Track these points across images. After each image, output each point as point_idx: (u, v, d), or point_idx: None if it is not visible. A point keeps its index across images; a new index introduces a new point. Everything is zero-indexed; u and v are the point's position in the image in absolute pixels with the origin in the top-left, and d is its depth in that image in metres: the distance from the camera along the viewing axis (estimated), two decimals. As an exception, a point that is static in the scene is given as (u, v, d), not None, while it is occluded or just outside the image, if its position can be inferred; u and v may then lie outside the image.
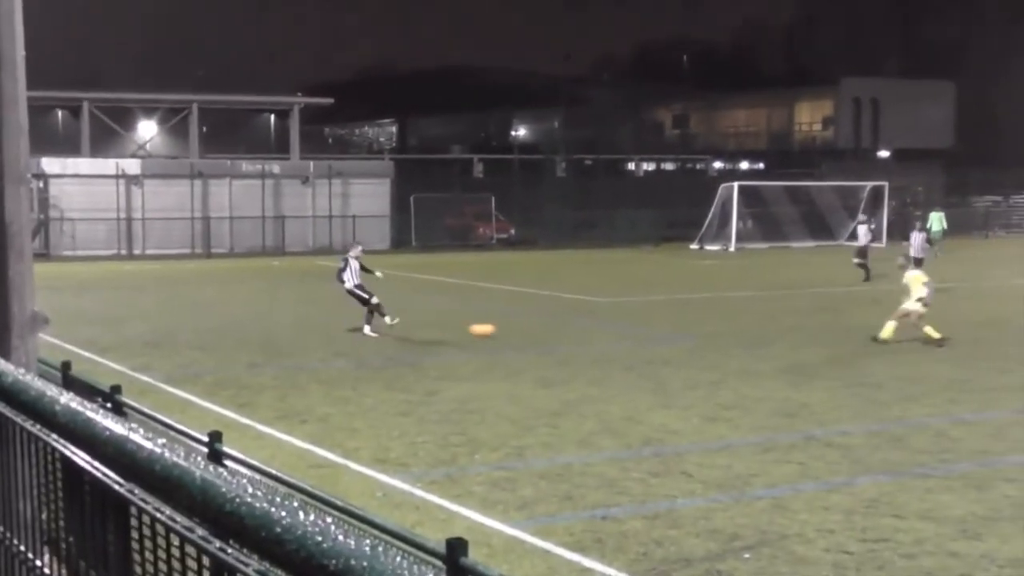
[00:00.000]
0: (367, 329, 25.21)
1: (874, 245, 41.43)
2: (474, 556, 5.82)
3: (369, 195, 56.39)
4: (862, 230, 39.06)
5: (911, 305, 23.92)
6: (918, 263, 29.78)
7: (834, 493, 12.76)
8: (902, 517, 11.82)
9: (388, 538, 5.68)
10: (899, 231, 56.90)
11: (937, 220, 51.31)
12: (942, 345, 23.33)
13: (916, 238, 30.49)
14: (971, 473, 13.58)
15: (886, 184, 59.99)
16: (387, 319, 24.92)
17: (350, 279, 25.50)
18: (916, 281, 24.09)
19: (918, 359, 22.13)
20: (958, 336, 24.90)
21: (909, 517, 11.82)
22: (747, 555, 10.70)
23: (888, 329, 24.02)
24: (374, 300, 25.26)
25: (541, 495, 12.62)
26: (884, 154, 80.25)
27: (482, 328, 24.07)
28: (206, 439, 7.96)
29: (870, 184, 60.26)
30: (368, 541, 2.41)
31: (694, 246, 54.04)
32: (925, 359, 22.15)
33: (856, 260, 38.47)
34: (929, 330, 23.68)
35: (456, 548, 5.54)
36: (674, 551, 10.81)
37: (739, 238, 54.49)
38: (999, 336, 25.55)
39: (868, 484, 13.08)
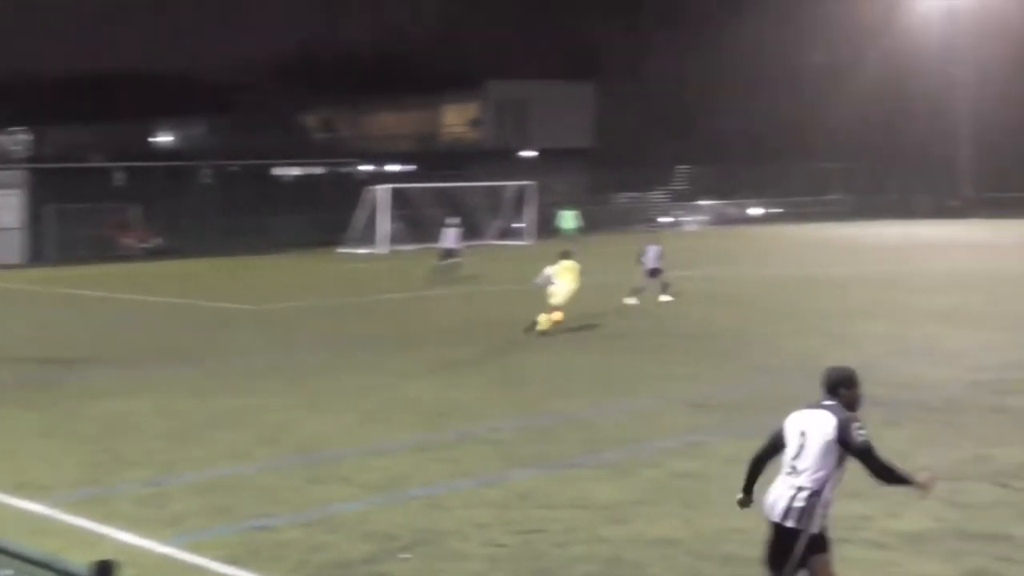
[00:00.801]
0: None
1: (522, 244, 42.18)
2: (120, 578, 5.53)
3: (-1, 207, 53.42)
4: (452, 233, 38.47)
5: (561, 297, 24.74)
6: (654, 273, 31.24)
7: (488, 488, 12.92)
8: (553, 507, 12.08)
9: (31, 567, 5.33)
10: (545, 229, 58.53)
11: (570, 218, 52.95)
12: (541, 333, 24.56)
13: (651, 250, 31.22)
14: (617, 460, 14.03)
15: (532, 183, 61.51)
16: None
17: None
18: (565, 272, 24.89)
19: (566, 353, 22.74)
20: (602, 328, 25.81)
21: (560, 507, 12.09)
22: (406, 555, 10.69)
23: (546, 321, 24.85)
24: None
25: (194, 510, 12.26)
26: (530, 154, 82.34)
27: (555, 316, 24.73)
28: None
29: (516, 184, 61.69)
30: (6, 573, 2.18)
31: (343, 250, 53.89)
32: (573, 353, 22.78)
33: (443, 262, 37.84)
34: (544, 319, 24.78)
35: (104, 570, 5.25)
36: (332, 556, 10.70)
37: (388, 240, 54.70)
38: (642, 326, 26.55)
39: (521, 477, 13.32)
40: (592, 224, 60.57)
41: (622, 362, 21.51)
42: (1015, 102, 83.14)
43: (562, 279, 25.08)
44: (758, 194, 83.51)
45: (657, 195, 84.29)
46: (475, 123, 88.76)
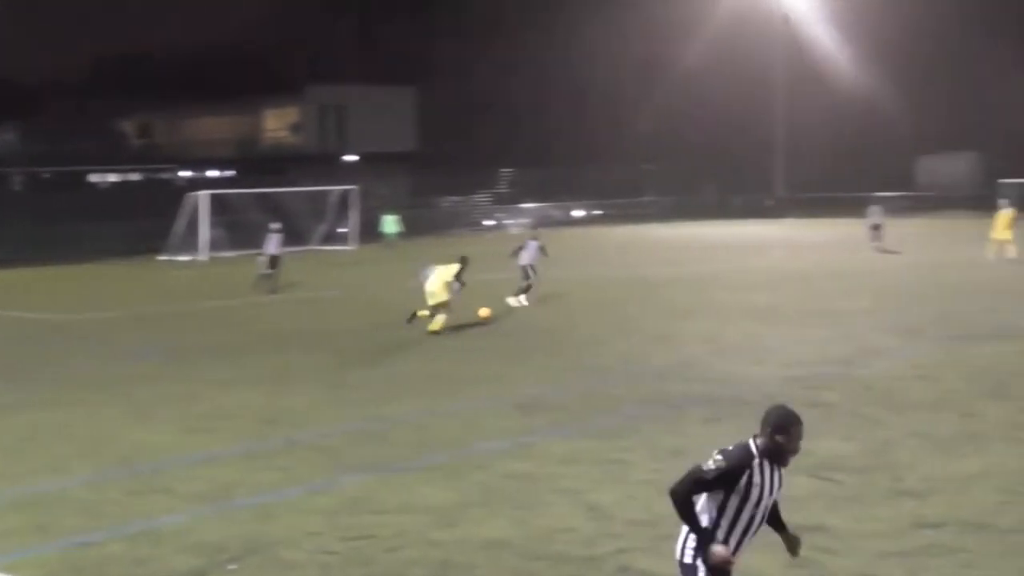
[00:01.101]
0: None
1: (346, 249, 41.88)
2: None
3: None
4: (274, 239, 37.48)
5: (445, 296, 25.62)
6: (526, 274, 31.20)
7: (318, 495, 12.86)
8: (384, 512, 12.09)
9: None
10: (369, 234, 58.34)
11: (392, 223, 52.92)
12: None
13: (531, 246, 31.13)
14: (447, 463, 14.09)
15: (354, 188, 61.26)
16: None
17: None
18: (447, 274, 25.86)
19: (395, 357, 22.72)
20: (426, 331, 25.87)
21: (391, 511, 12.11)
22: (233, 566, 10.58)
23: (438, 322, 25.59)
24: None
25: (11, 528, 11.92)
26: (352, 159, 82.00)
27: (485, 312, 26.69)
28: None
29: (339, 188, 61.38)
30: None
31: (164, 257, 52.91)
32: (402, 357, 22.77)
33: (264, 271, 36.84)
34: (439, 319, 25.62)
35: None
36: (157, 571, 10.53)
37: (209, 247, 53.87)
38: (467, 330, 26.66)
39: (351, 483, 13.29)
40: (416, 228, 60.61)
41: (450, 365, 21.58)
42: (822, 105, 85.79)
43: (436, 276, 25.96)
44: (580, 196, 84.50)
45: (481, 198, 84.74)
46: (295, 128, 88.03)
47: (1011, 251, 39.76)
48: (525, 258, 31.63)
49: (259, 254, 37.48)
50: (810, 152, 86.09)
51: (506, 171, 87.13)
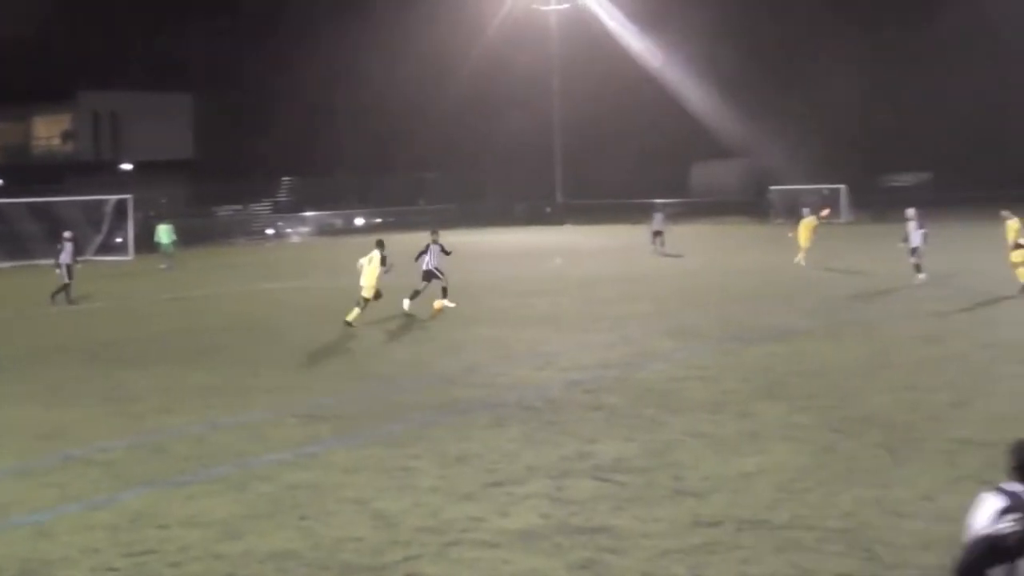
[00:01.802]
0: None
1: (122, 259, 40.81)
2: None
3: None
4: (68, 248, 36.00)
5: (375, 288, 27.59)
6: (434, 275, 30.63)
7: (98, 511, 12.52)
8: (167, 526, 11.84)
9: None
10: (146, 243, 57.06)
11: (166, 233, 51.85)
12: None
13: (433, 249, 30.28)
14: (230, 475, 13.88)
15: (130, 197, 59.85)
16: None
17: None
18: (375, 265, 27.62)
19: (174, 369, 22.26)
20: (209, 342, 25.45)
21: (173, 525, 11.86)
22: (9, 588, 10.23)
23: (354, 313, 27.25)
24: None
25: None
26: (127, 167, 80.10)
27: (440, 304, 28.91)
28: None
29: (115, 198, 59.89)
30: None
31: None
32: (181, 368, 22.33)
33: (64, 281, 35.49)
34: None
35: None
36: (-73, 595, 10.10)
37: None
38: (246, 340, 26.34)
39: (132, 498, 12.97)
40: (195, 237, 59.59)
41: (232, 375, 21.27)
42: (597, 113, 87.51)
43: (366, 270, 27.78)
44: (362, 204, 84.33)
45: (261, 207, 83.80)
46: (67, 135, 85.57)
47: (801, 258, 41.29)
48: (430, 262, 30.82)
49: (56, 265, 36.05)
50: (588, 159, 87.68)
51: (287, 179, 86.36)
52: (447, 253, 31.52)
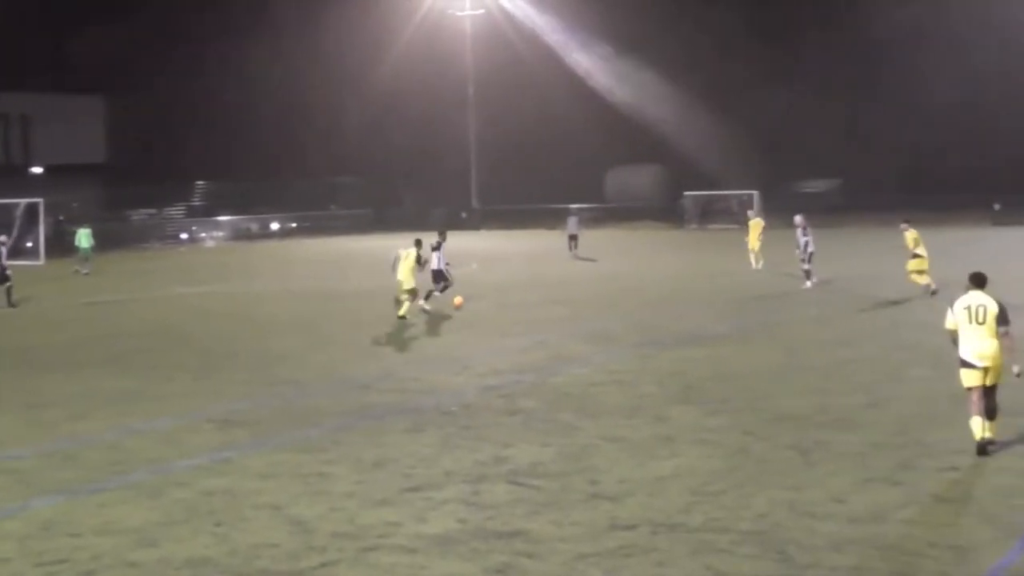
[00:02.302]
0: None
1: (33, 263, 40.09)
2: None
3: None
4: (3, 252, 35.62)
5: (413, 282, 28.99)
6: (439, 276, 31.36)
7: (8, 520, 12.34)
8: (79, 535, 11.70)
9: None
10: (58, 247, 56.32)
11: (85, 236, 51.16)
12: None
13: (401, 254, 30.25)
14: (145, 482, 13.75)
15: (40, 201, 58.98)
16: None
17: None
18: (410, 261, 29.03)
19: (85, 375, 21.99)
20: (125, 347, 25.19)
21: (86, 534, 11.73)
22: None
23: (405, 307, 28.83)
24: None
25: None
26: (37, 170, 78.95)
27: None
28: None
29: (24, 201, 59.00)
30: None
31: None
32: (92, 374, 22.07)
33: (4, 285, 34.76)
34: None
35: None
36: None
37: None
38: (161, 345, 26.09)
39: (43, 506, 12.81)
40: (109, 242, 58.86)
41: (145, 381, 21.04)
42: (513, 118, 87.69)
43: (402, 266, 29.05)
44: (277, 208, 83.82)
45: (175, 211, 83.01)
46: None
47: (752, 261, 41.53)
48: (440, 263, 31.57)
49: None
50: (505, 165, 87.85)
51: (201, 183, 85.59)
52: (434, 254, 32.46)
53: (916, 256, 31.64)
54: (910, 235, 32.53)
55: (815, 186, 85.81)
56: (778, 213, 71.33)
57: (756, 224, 42.85)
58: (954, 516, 11.81)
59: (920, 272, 31.55)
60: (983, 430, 13.93)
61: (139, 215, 78.14)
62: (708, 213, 77.45)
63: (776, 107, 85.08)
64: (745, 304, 31.48)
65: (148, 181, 78.50)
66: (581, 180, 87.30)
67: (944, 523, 11.56)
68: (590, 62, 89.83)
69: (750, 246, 42.44)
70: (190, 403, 18.83)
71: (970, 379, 14.05)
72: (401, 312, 28.96)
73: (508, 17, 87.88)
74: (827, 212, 66.76)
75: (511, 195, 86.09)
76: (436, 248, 31.55)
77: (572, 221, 53.70)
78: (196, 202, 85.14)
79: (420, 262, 29.49)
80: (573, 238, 51.92)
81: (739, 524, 11.58)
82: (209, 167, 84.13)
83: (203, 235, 77.84)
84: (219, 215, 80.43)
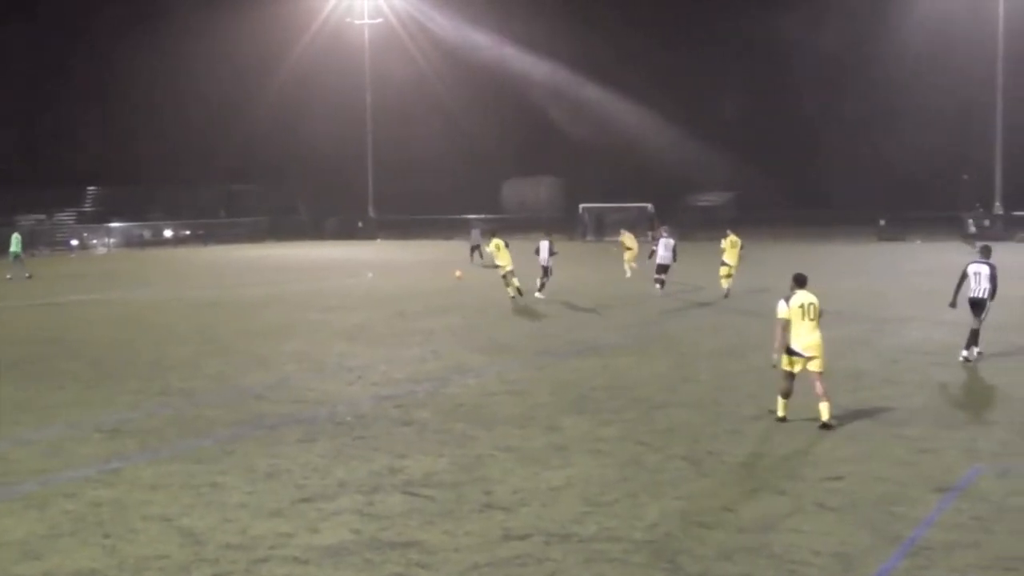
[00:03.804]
0: None
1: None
2: None
3: None
4: None
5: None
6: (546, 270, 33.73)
7: None
8: (-38, 547, 11.47)
9: None
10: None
11: (17, 241, 50.39)
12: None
13: (544, 245, 33.81)
14: (31, 493, 13.50)
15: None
16: None
17: None
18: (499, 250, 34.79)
19: (-30, 383, 21.54)
20: (13, 355, 24.71)
21: (-30, 546, 11.50)
22: None
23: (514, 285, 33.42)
24: None
25: None
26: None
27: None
28: None
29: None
30: None
31: None
32: (-23, 383, 21.62)
33: None
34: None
35: None
36: None
37: None
38: (50, 353, 25.63)
39: (-76, 518, 12.52)
40: None
41: (34, 390, 20.65)
42: (410, 129, 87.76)
43: (500, 257, 35.04)
44: (171, 215, 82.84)
45: (65, 216, 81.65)
46: None
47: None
48: (546, 258, 36.75)
49: None
50: (401, 175, 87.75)
51: (92, 189, 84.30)
52: (554, 253, 37.51)
53: (724, 264, 35.74)
54: (726, 242, 35.87)
55: (710, 199, 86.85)
56: (677, 226, 72.30)
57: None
58: (838, 524, 12.03)
59: (727, 277, 35.71)
60: (784, 408, 16.81)
61: (27, 220, 76.70)
62: (603, 225, 77.95)
63: (674, 119, 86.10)
64: (643, 314, 31.76)
65: (37, 186, 77.15)
66: (478, 191, 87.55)
67: (828, 531, 11.77)
68: (488, 72, 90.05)
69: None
70: (80, 412, 18.53)
71: (793, 366, 16.57)
72: (511, 290, 35.05)
73: (406, 26, 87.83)
74: (720, 225, 67.55)
75: (407, 205, 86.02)
76: (544, 246, 37.25)
77: (475, 232, 54.40)
78: (87, 208, 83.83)
79: (552, 251, 37.00)
80: (476, 248, 52.48)
81: (632, 534, 11.69)
82: (101, 172, 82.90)
83: (94, 241, 76.63)
84: (111, 221, 79.25)
